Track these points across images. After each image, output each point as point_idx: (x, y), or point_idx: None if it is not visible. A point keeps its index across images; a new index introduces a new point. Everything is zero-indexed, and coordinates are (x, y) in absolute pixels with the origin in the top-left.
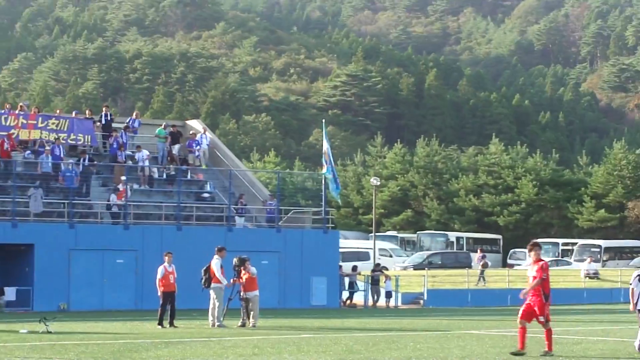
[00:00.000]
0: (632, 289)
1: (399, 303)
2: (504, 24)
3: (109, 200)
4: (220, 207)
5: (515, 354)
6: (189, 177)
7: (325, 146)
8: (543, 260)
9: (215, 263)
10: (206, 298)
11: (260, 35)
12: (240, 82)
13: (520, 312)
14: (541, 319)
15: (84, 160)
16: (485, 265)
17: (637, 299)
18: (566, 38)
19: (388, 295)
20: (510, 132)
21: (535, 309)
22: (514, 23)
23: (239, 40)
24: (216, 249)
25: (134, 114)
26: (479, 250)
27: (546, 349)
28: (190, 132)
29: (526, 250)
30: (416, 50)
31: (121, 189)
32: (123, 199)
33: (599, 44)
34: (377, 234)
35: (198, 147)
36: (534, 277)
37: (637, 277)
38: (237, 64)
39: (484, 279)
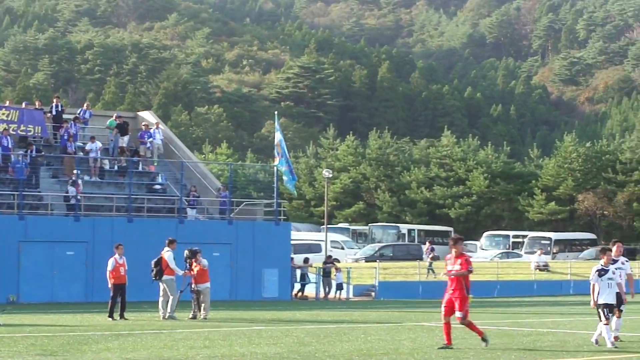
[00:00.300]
0: (593, 284)
1: (351, 295)
2: (456, 16)
3: (67, 192)
4: (171, 198)
5: (443, 348)
6: (140, 168)
7: (278, 138)
8: (465, 254)
9: (169, 255)
10: (157, 290)
11: (212, 26)
12: (193, 74)
13: (443, 309)
14: (459, 314)
15: (31, 151)
16: (434, 258)
17: (598, 295)
18: (518, 31)
19: (339, 287)
20: (462, 125)
21: (456, 303)
22: (466, 16)
23: (192, 32)
24: (167, 240)
25: (85, 105)
26: (427, 243)
27: (480, 337)
28: (142, 124)
29: (473, 242)
30: (369, 42)
31: (78, 181)
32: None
33: (550, 38)
34: (328, 226)
35: (150, 138)
36: (457, 271)
37: (597, 272)
38: (190, 55)
39: (433, 271)
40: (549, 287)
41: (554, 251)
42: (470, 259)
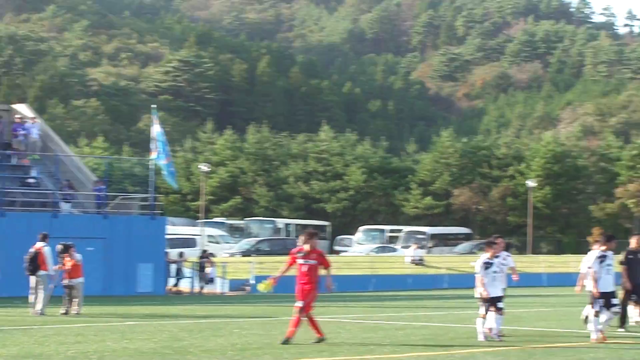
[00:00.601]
0: (480, 277)
1: (226, 290)
2: (337, 12)
3: None
4: (46, 192)
5: (316, 342)
6: (15, 162)
7: (156, 132)
8: (319, 249)
9: (48, 250)
10: (28, 285)
11: (91, 18)
12: (70, 66)
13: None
14: (300, 303)
15: None
16: None
17: (484, 287)
18: (398, 27)
19: (210, 281)
20: (341, 120)
21: (302, 295)
22: (347, 11)
23: (70, 24)
24: (40, 235)
25: None
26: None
27: (289, 336)
28: (16, 117)
29: (349, 236)
30: (249, 36)
31: None
32: None
33: (430, 34)
34: (205, 220)
35: (24, 132)
36: (312, 266)
37: (484, 265)
38: (67, 47)
39: None
40: (424, 281)
41: (430, 245)
42: (324, 253)
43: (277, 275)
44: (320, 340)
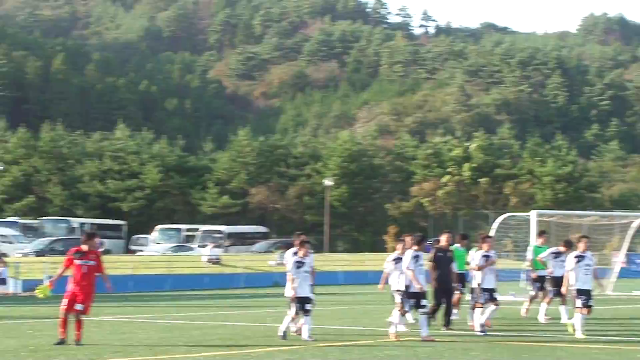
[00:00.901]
0: (293, 277)
1: (19, 290)
2: (133, 9)
3: None
4: None
5: (59, 343)
6: None
7: None
8: (97, 250)
9: None
10: None
11: None
12: None
13: (66, 304)
14: (80, 307)
15: None
16: (104, 252)
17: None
18: (195, 25)
19: (2, 282)
20: (137, 118)
21: (81, 297)
22: (144, 9)
23: None
24: None
25: None
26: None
27: (61, 338)
28: None
29: (145, 235)
30: (44, 33)
31: None
32: None
33: (227, 32)
34: None
35: None
36: (91, 267)
37: (296, 265)
38: None
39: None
40: (221, 280)
41: (227, 244)
42: (101, 255)
43: (54, 279)
44: (62, 342)
